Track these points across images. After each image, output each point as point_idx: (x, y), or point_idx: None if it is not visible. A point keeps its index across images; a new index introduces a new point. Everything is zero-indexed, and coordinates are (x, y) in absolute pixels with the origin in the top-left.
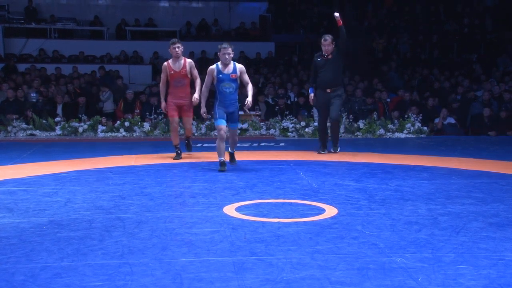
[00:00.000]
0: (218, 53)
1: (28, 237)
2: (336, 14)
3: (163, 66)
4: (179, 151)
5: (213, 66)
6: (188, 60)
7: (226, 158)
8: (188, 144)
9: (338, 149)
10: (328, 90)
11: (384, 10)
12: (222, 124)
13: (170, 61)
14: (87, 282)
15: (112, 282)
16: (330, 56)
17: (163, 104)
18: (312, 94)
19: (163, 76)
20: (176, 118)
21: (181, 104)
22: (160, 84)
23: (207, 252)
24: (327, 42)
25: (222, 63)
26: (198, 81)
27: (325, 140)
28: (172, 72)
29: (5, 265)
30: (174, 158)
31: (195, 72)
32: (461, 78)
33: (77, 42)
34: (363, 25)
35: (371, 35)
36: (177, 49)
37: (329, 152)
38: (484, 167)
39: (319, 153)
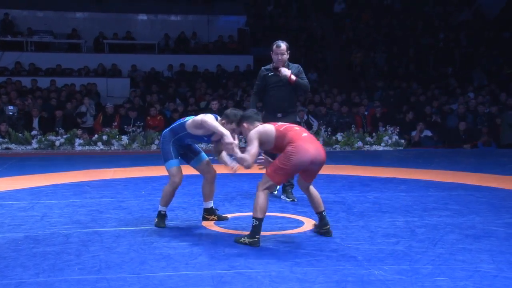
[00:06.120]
0: None
1: (2, 253)
2: (284, 73)
3: None
4: None
5: None
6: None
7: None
8: None
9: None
10: (279, 115)
11: (361, 24)
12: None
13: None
14: None
15: None
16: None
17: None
18: None
19: None
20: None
21: None
22: None
23: (185, 266)
24: (280, 49)
25: None
26: None
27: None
28: None
29: None
30: None
31: None
32: (437, 91)
33: (54, 55)
34: (341, 38)
35: (349, 48)
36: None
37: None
38: (460, 180)
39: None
